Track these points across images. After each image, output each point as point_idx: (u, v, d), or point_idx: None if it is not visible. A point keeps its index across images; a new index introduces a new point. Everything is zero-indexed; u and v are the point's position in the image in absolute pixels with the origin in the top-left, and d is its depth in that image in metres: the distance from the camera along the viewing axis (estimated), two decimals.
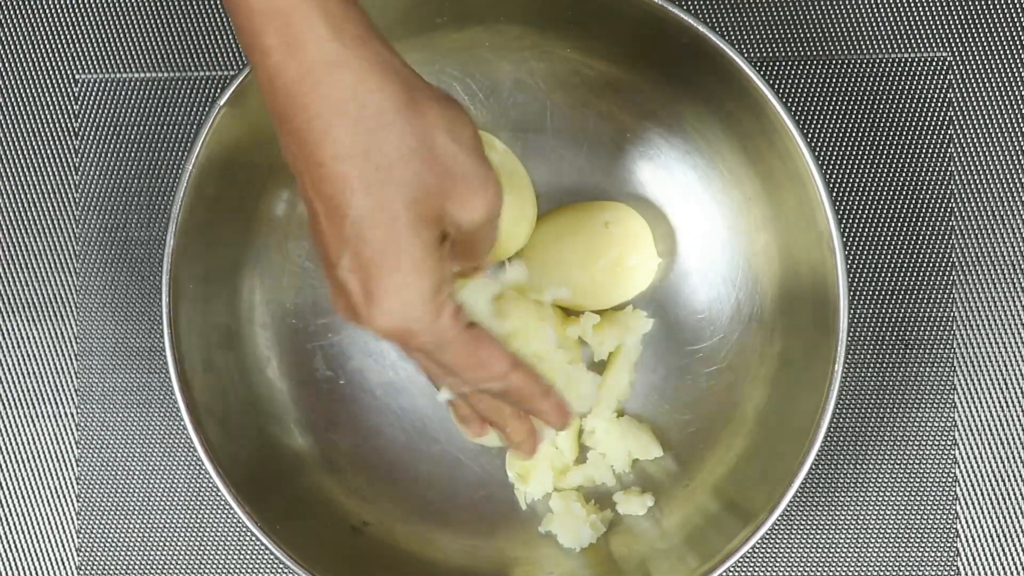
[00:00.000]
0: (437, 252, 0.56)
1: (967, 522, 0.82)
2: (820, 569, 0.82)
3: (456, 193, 0.57)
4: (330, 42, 0.55)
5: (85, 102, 0.83)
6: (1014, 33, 0.83)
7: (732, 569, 0.81)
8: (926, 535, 0.82)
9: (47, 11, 0.83)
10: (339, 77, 0.55)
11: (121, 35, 0.83)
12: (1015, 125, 0.82)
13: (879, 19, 0.83)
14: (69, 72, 0.83)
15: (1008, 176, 0.82)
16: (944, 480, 0.82)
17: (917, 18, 0.83)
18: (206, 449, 0.72)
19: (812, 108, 0.83)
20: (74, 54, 0.83)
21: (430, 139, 0.56)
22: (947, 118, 0.83)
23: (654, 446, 0.80)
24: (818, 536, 0.82)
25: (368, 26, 0.57)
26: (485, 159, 0.58)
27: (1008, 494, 0.82)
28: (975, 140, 0.83)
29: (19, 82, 0.83)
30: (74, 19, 0.83)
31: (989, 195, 0.83)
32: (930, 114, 0.83)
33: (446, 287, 0.57)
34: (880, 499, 0.82)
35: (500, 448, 0.80)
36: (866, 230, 0.83)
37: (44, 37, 0.83)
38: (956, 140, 0.83)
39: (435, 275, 0.56)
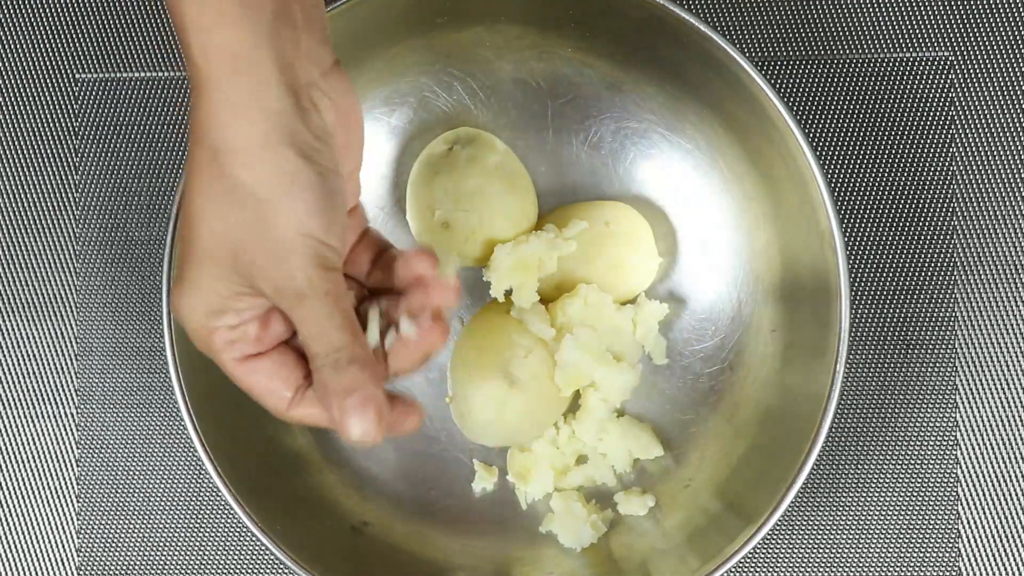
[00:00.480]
0: (228, 286, 0.60)
1: (969, 522, 0.82)
2: (822, 569, 0.82)
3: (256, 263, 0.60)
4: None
5: (85, 102, 0.83)
6: (1015, 33, 0.82)
7: (734, 569, 0.81)
8: (928, 535, 0.82)
9: (47, 11, 0.83)
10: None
11: (121, 35, 0.83)
12: (1016, 125, 0.82)
13: (880, 19, 0.83)
14: (69, 72, 0.83)
15: (1010, 176, 0.82)
16: (946, 480, 0.82)
17: (918, 18, 0.83)
18: (206, 449, 0.72)
19: (813, 108, 0.83)
20: (74, 54, 0.83)
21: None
22: (948, 118, 0.83)
23: (655, 446, 0.80)
24: (820, 535, 0.82)
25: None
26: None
27: (1010, 494, 0.82)
28: (976, 140, 0.82)
29: (19, 82, 0.83)
30: (74, 19, 0.83)
31: (990, 195, 0.82)
32: (931, 114, 0.83)
33: (224, 318, 0.61)
34: (882, 499, 0.82)
35: (500, 448, 0.80)
36: (867, 230, 0.83)
37: (44, 37, 0.83)
38: (957, 140, 0.83)
39: (213, 301, 0.60)
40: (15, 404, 0.83)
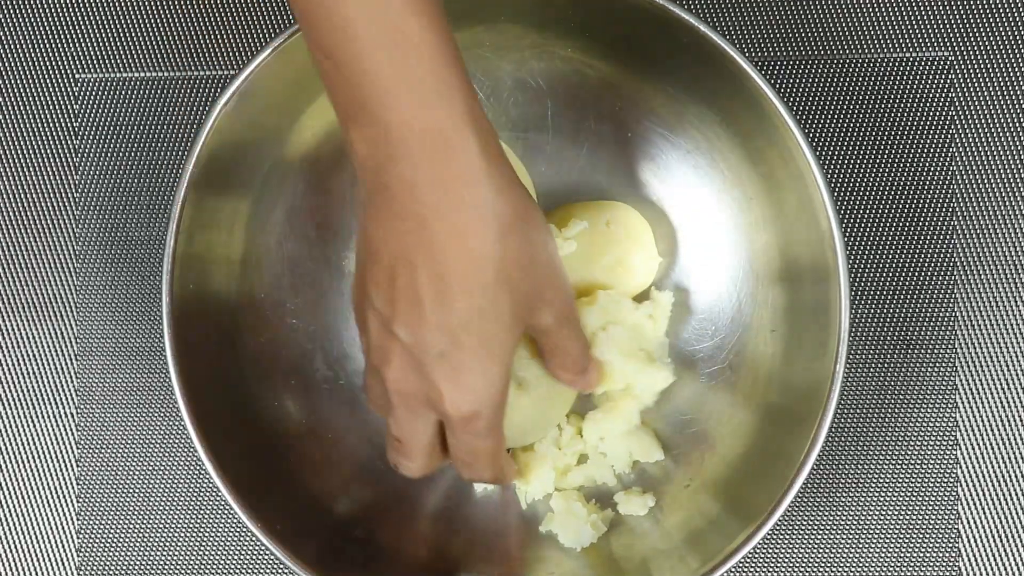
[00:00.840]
0: (515, 349, 0.65)
1: (969, 522, 0.82)
2: (821, 569, 0.82)
3: (543, 297, 0.66)
4: (479, 156, 0.62)
5: (85, 102, 0.83)
6: (1015, 33, 0.83)
7: (734, 569, 0.81)
8: (928, 535, 0.82)
9: (47, 11, 0.83)
10: (481, 189, 0.62)
11: (121, 35, 0.83)
12: (1016, 125, 0.82)
13: (879, 19, 0.83)
14: (69, 72, 0.83)
15: (1009, 176, 0.82)
16: (946, 480, 0.82)
17: (917, 18, 0.83)
18: (206, 449, 0.72)
19: (813, 108, 0.83)
20: (74, 54, 0.83)
21: (534, 248, 0.64)
22: (948, 118, 0.83)
23: (655, 449, 0.80)
24: (819, 536, 0.82)
25: (500, 145, 0.64)
26: (561, 264, 0.67)
27: (1010, 494, 0.82)
28: (976, 140, 0.83)
29: (19, 82, 0.83)
30: (74, 19, 0.83)
31: (990, 195, 0.82)
32: (931, 114, 0.83)
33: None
34: (882, 499, 0.82)
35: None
36: (867, 230, 0.83)
37: (44, 37, 0.83)
38: (957, 140, 0.83)
39: (509, 368, 0.65)
40: (15, 404, 0.83)
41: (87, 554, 0.83)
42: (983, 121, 0.83)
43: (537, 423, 0.77)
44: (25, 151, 0.83)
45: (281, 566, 0.82)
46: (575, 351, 0.71)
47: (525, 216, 0.64)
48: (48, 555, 0.83)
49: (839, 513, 0.82)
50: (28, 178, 0.83)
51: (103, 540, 0.83)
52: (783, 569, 0.82)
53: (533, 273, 0.64)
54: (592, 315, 0.78)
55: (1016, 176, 0.82)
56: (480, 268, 0.62)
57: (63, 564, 0.83)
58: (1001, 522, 0.82)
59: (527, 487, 0.79)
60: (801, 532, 0.82)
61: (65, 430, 0.83)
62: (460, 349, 0.63)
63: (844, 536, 0.82)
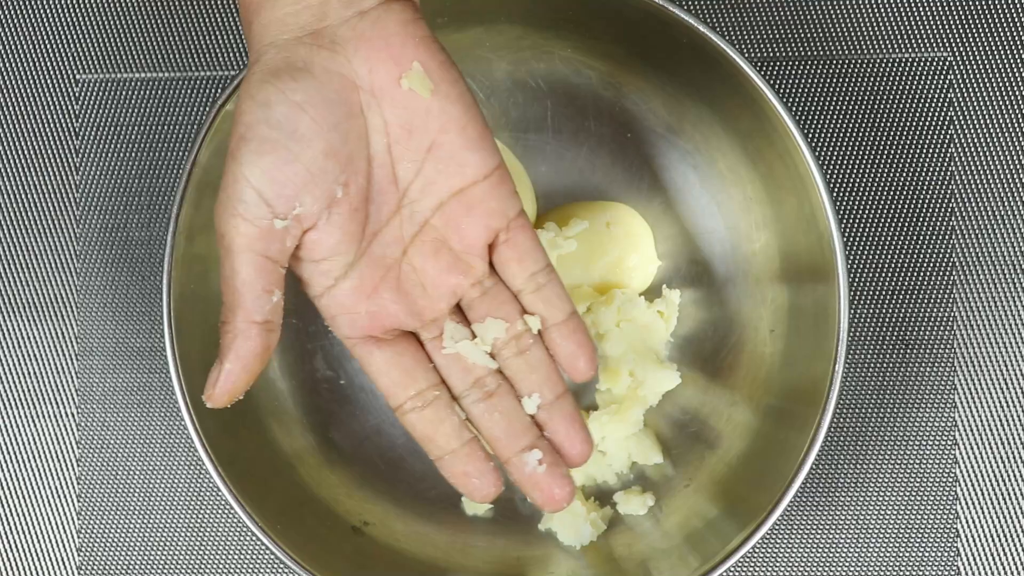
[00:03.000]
0: None
1: (967, 522, 0.82)
2: (820, 569, 0.82)
3: None
4: None
5: (85, 102, 0.83)
6: (1014, 33, 0.83)
7: (733, 569, 0.81)
8: (926, 535, 0.82)
9: (47, 11, 0.83)
10: None
11: (121, 35, 0.83)
12: (1015, 125, 0.82)
13: (879, 19, 0.83)
14: (69, 72, 0.83)
15: (1009, 176, 0.82)
16: (944, 480, 0.82)
17: (917, 18, 0.83)
18: (206, 449, 0.72)
19: (812, 108, 0.83)
20: (74, 54, 0.83)
21: None
22: (947, 118, 0.83)
23: (655, 452, 0.80)
24: (818, 536, 0.82)
25: None
26: None
27: (1008, 494, 0.82)
28: (975, 140, 0.83)
29: (19, 82, 0.83)
30: (74, 19, 0.83)
31: (989, 195, 0.83)
32: (930, 114, 0.83)
33: None
34: (880, 499, 0.82)
35: None
36: (866, 230, 0.83)
37: (44, 37, 0.83)
38: (956, 140, 0.83)
39: None
40: (15, 404, 0.83)
41: (87, 554, 0.83)
42: (982, 121, 0.83)
43: None
44: (25, 151, 0.83)
45: (281, 566, 0.82)
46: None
47: None
48: (48, 555, 0.83)
49: (838, 513, 0.82)
50: (28, 178, 0.83)
51: (103, 540, 0.83)
52: (782, 569, 0.82)
53: None
54: (606, 312, 0.78)
55: (1015, 176, 0.83)
56: None
57: (63, 564, 0.83)
58: (1000, 522, 0.82)
59: None
60: (800, 532, 0.82)
61: (65, 430, 0.83)
62: None
63: (843, 536, 0.82)
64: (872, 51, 0.83)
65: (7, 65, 0.83)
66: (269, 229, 0.60)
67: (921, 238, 0.83)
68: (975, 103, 0.83)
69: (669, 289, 0.80)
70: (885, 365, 0.82)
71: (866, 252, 0.83)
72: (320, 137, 0.60)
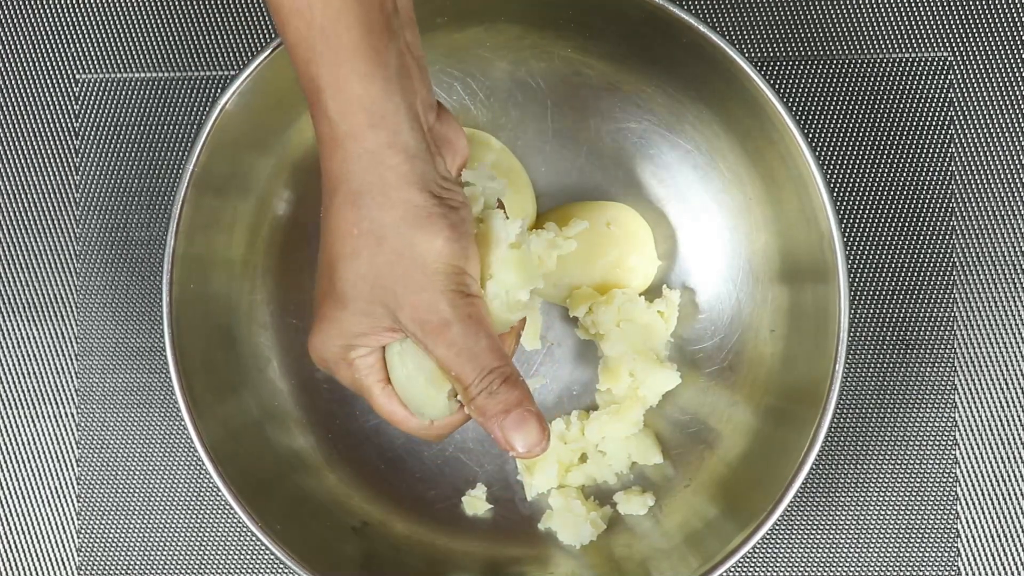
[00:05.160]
0: (370, 321, 0.65)
1: (968, 522, 0.82)
2: (821, 569, 0.82)
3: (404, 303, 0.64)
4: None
5: (85, 102, 0.83)
6: (1014, 33, 0.83)
7: (733, 568, 0.81)
8: (927, 535, 0.82)
9: (47, 11, 0.83)
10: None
11: (121, 35, 0.83)
12: (1015, 125, 0.82)
13: (879, 19, 0.83)
14: (69, 72, 0.83)
15: (1008, 175, 0.82)
16: (945, 480, 0.82)
17: (917, 18, 0.83)
18: (206, 449, 0.72)
19: (812, 108, 0.83)
20: (74, 54, 0.83)
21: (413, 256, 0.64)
22: (947, 118, 0.83)
23: (655, 452, 0.80)
24: (819, 536, 0.82)
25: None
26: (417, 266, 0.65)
27: (1009, 494, 0.82)
28: (975, 140, 0.83)
29: (19, 82, 0.83)
30: (74, 19, 0.83)
31: (990, 195, 0.83)
32: (931, 114, 0.83)
33: (357, 351, 0.66)
34: (881, 499, 0.82)
35: (501, 449, 0.80)
36: (867, 230, 0.83)
37: (44, 37, 0.83)
38: (956, 140, 0.83)
39: (350, 336, 0.65)
40: (15, 404, 0.83)
41: (87, 554, 0.83)
42: (982, 121, 0.83)
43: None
44: (25, 151, 0.83)
45: (281, 566, 0.82)
46: (456, 368, 0.66)
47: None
48: (48, 555, 0.83)
49: (838, 513, 0.82)
50: (28, 178, 0.83)
51: (103, 540, 0.83)
52: (782, 569, 0.82)
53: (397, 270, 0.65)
54: (606, 312, 0.78)
55: (1015, 176, 0.82)
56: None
57: (63, 564, 0.83)
58: (1000, 522, 0.82)
59: (532, 479, 0.79)
60: (800, 532, 0.82)
61: (65, 430, 0.83)
62: (316, 302, 0.67)
63: (843, 536, 0.82)
64: (872, 51, 0.83)
65: (7, 65, 0.83)
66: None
67: (921, 238, 0.83)
68: (975, 103, 0.83)
69: (669, 289, 0.80)
70: (885, 365, 0.82)
71: (866, 252, 0.83)
72: (471, 220, 0.66)
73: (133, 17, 0.83)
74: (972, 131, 0.83)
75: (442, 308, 0.63)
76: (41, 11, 0.83)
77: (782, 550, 0.82)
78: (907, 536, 0.82)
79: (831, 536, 0.82)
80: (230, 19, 0.83)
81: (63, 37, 0.83)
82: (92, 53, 0.83)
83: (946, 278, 0.83)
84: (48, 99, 0.83)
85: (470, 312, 0.64)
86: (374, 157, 0.62)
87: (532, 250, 0.76)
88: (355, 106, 0.61)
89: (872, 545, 0.82)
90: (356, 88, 0.61)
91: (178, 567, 0.83)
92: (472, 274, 0.64)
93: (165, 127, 0.83)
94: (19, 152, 0.83)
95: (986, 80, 0.83)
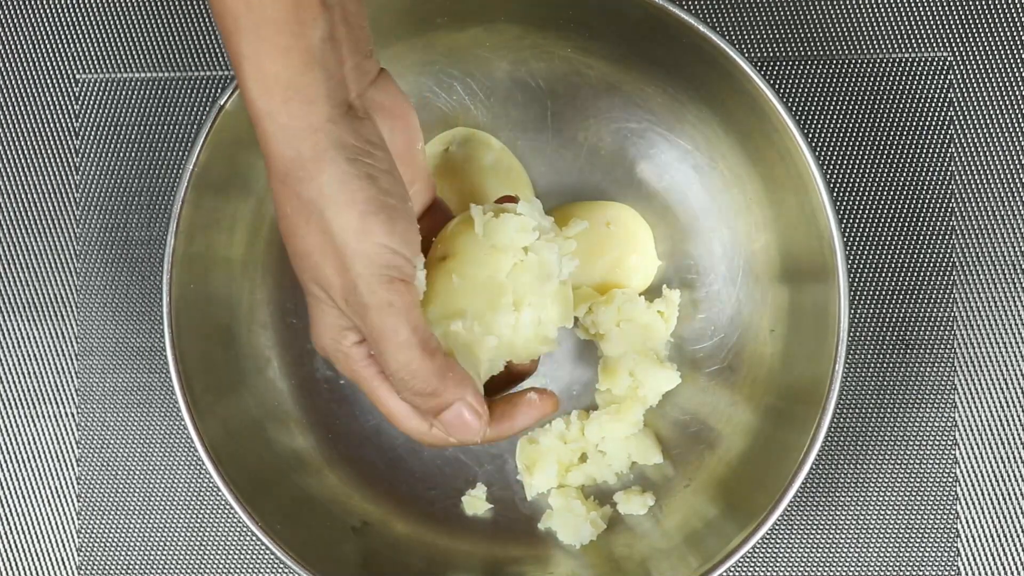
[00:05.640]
0: (334, 313, 0.62)
1: (968, 522, 0.82)
2: (820, 569, 0.82)
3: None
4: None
5: (85, 102, 0.83)
6: (1014, 33, 0.83)
7: (733, 568, 0.81)
8: (927, 535, 0.82)
9: (47, 11, 0.83)
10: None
11: (121, 35, 0.83)
12: (1015, 125, 0.82)
13: (879, 19, 0.83)
14: (69, 72, 0.83)
15: (1008, 176, 0.83)
16: (945, 480, 0.82)
17: (917, 18, 0.83)
18: (206, 449, 0.72)
19: (812, 108, 0.83)
20: (74, 54, 0.83)
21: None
22: (947, 118, 0.83)
23: (655, 452, 0.80)
24: (818, 536, 0.82)
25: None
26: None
27: (1008, 494, 0.82)
28: (975, 140, 0.83)
29: (19, 82, 0.83)
30: (74, 19, 0.83)
31: (989, 195, 0.83)
32: (930, 114, 0.83)
33: (349, 336, 0.63)
34: (881, 499, 0.82)
35: (501, 449, 0.80)
36: (866, 230, 0.83)
37: (44, 37, 0.83)
38: (956, 140, 0.83)
39: (332, 323, 0.63)
40: (15, 404, 0.83)
41: (87, 554, 0.83)
42: (982, 121, 0.83)
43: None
44: (25, 151, 0.83)
45: (281, 566, 0.82)
46: (393, 367, 0.63)
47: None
48: (48, 555, 0.83)
49: (838, 513, 0.82)
50: (28, 178, 0.83)
51: (103, 540, 0.83)
52: (782, 569, 0.82)
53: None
54: (606, 312, 0.78)
55: (1015, 176, 0.83)
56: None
57: (63, 564, 0.83)
58: (1000, 522, 0.82)
59: (532, 479, 0.79)
60: (800, 532, 0.82)
61: (65, 430, 0.83)
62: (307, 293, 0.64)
63: (843, 536, 0.82)
64: (872, 51, 0.83)
65: (7, 65, 0.83)
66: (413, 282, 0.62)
67: (921, 238, 0.83)
68: (975, 103, 0.83)
69: (669, 289, 0.80)
70: (885, 365, 0.82)
71: (866, 252, 0.83)
72: (405, 192, 0.62)
73: (133, 17, 0.83)
74: (972, 131, 0.83)
75: (361, 291, 0.60)
76: (41, 11, 0.83)
77: (782, 550, 0.82)
78: (907, 536, 0.82)
79: (831, 536, 0.82)
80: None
81: (63, 37, 0.83)
82: (92, 53, 0.83)
83: (946, 278, 0.83)
84: (48, 99, 0.83)
85: (391, 300, 0.60)
86: (287, 132, 0.59)
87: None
88: (271, 82, 0.59)
89: (872, 545, 0.82)
90: (274, 64, 0.59)
91: (178, 567, 0.83)
92: (402, 251, 0.61)
93: (165, 127, 0.83)
94: (19, 152, 0.83)
95: (986, 80, 0.83)
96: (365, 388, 0.65)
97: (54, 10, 0.83)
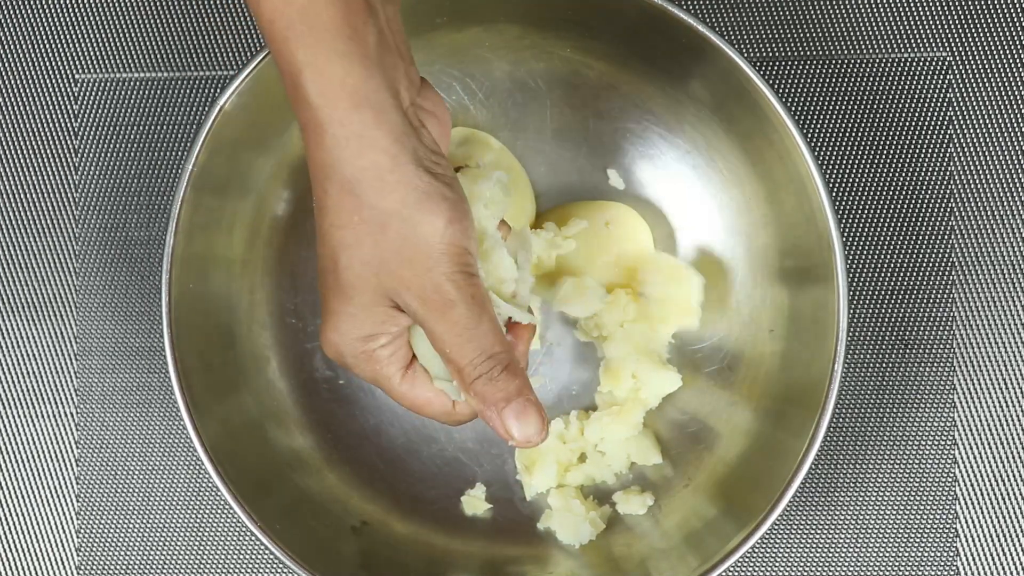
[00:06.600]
0: (380, 311, 0.64)
1: (967, 522, 0.82)
2: (820, 569, 0.82)
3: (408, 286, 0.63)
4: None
5: (85, 102, 0.83)
6: (1014, 33, 0.83)
7: (732, 568, 0.81)
8: (926, 535, 0.82)
9: (47, 11, 0.83)
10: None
11: (121, 35, 0.83)
12: (1015, 125, 0.82)
13: (879, 19, 0.83)
14: (69, 72, 0.83)
15: (1008, 176, 0.83)
16: (944, 480, 0.82)
17: (917, 18, 0.83)
18: (206, 449, 0.72)
19: (812, 108, 0.83)
20: (74, 54, 0.83)
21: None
22: (947, 118, 0.83)
23: (654, 452, 0.80)
24: (818, 536, 0.82)
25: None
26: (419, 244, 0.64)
27: (1007, 494, 0.82)
28: (975, 140, 0.83)
29: (19, 82, 0.83)
30: (74, 19, 0.83)
31: (989, 195, 0.83)
32: (930, 114, 0.83)
33: (379, 340, 0.65)
34: (880, 499, 0.82)
35: (500, 449, 0.81)
36: (866, 230, 0.83)
37: (44, 37, 0.83)
38: (956, 140, 0.83)
39: (366, 327, 0.64)
40: (15, 404, 0.83)
41: (87, 554, 0.83)
42: (981, 121, 0.83)
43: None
44: (25, 151, 0.83)
45: (281, 566, 0.83)
46: (454, 348, 0.65)
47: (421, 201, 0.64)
48: (48, 555, 0.83)
49: (837, 513, 0.82)
50: (28, 178, 0.83)
51: (103, 540, 0.83)
52: (781, 569, 0.82)
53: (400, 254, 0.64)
54: (609, 313, 0.78)
55: (1014, 176, 0.83)
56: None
57: (63, 564, 0.83)
58: (999, 522, 0.82)
59: (531, 479, 0.79)
60: (800, 532, 0.82)
61: (65, 430, 0.83)
62: (322, 296, 0.65)
63: (842, 536, 0.82)
64: (872, 51, 0.83)
65: (7, 65, 0.83)
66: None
67: (921, 238, 0.83)
68: (975, 103, 0.83)
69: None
70: (885, 365, 0.82)
71: (866, 252, 0.83)
72: (464, 194, 0.65)
73: (133, 17, 0.83)
74: (971, 131, 0.83)
75: (447, 289, 0.62)
76: (41, 11, 0.83)
77: (781, 550, 0.82)
78: (906, 536, 0.82)
79: (830, 536, 0.82)
80: (229, 19, 0.83)
81: (63, 37, 0.83)
82: (92, 53, 0.83)
83: (945, 278, 0.83)
84: (48, 99, 0.83)
85: (473, 293, 0.63)
86: (362, 141, 0.60)
87: (532, 251, 0.75)
88: (337, 88, 0.59)
89: (871, 545, 0.82)
90: (337, 69, 0.59)
91: (178, 567, 0.83)
92: (473, 253, 0.63)
93: (164, 127, 0.83)
94: (19, 152, 0.83)
95: (985, 80, 0.83)
96: (387, 385, 0.67)
97: (54, 10, 0.83)
